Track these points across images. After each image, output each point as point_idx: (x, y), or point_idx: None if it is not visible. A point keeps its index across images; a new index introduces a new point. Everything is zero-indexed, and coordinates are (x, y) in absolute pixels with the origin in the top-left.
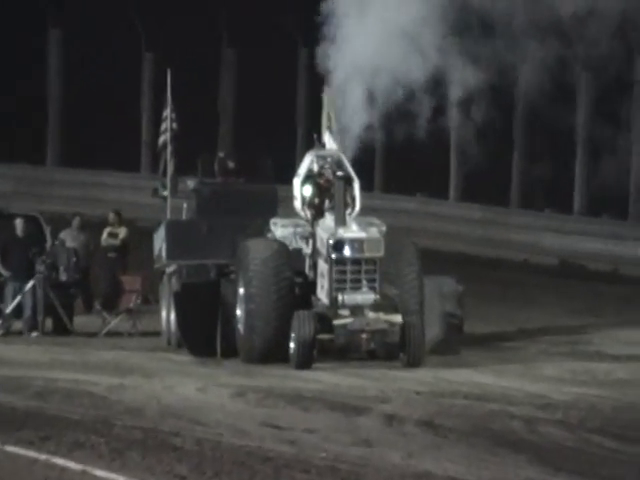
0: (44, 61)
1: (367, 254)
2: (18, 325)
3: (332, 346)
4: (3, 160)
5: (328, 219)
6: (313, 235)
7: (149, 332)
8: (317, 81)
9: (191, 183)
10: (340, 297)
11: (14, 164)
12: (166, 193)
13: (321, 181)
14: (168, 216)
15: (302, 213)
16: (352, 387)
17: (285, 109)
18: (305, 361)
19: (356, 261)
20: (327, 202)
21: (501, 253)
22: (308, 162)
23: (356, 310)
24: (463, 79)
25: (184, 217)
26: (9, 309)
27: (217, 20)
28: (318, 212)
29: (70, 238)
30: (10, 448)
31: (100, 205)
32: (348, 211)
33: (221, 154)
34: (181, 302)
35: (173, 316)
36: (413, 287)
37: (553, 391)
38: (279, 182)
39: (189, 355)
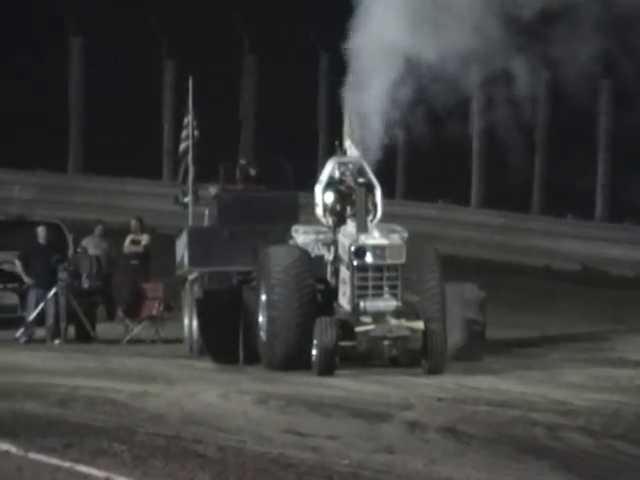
0: (66, 68)
1: (389, 261)
2: (41, 333)
3: (354, 353)
4: (25, 167)
5: (350, 226)
6: (335, 242)
7: (171, 339)
8: (338, 87)
9: (212, 190)
10: (362, 304)
11: (36, 171)
12: (187, 200)
13: (342, 188)
14: (190, 223)
15: (324, 220)
16: (374, 394)
17: (306, 116)
18: (327, 368)
19: (378, 268)
20: (349, 209)
21: (522, 259)
22: (330, 169)
23: (378, 317)
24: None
25: (206, 224)
26: (32, 317)
27: (238, 27)
28: (340, 219)
29: (92, 245)
30: (33, 455)
31: (122, 212)
32: (370, 218)
33: (242, 161)
34: (203, 309)
35: (195, 323)
36: (435, 294)
37: (575, 397)
38: (300, 189)
39: (211, 362)
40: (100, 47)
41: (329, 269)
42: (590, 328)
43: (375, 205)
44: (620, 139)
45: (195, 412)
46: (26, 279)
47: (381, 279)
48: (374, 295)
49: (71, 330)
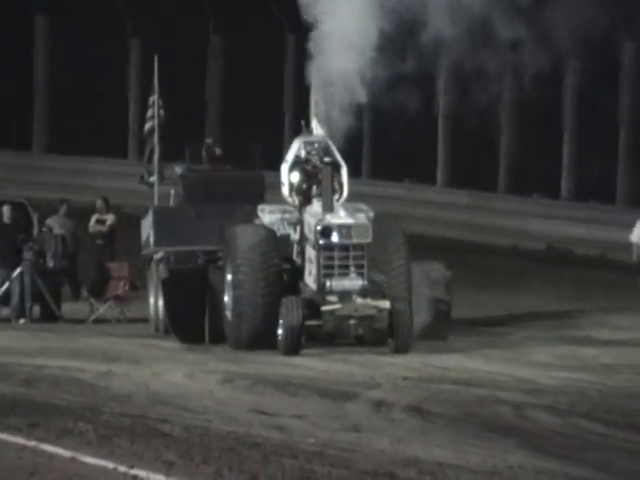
0: (30, 48)
1: (355, 240)
2: (5, 312)
3: (320, 332)
4: None
5: (316, 205)
6: (301, 221)
7: (137, 319)
8: (305, 67)
9: (178, 170)
10: (328, 283)
11: (1, 151)
12: (153, 180)
13: (309, 167)
14: (155, 203)
15: (290, 199)
16: (340, 373)
17: (273, 95)
18: (293, 347)
19: (344, 247)
20: (315, 188)
21: (488, 239)
22: (295, 148)
23: (344, 296)
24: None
25: (171, 204)
26: None
27: (204, 6)
28: (306, 198)
29: (57, 225)
30: None
31: (87, 192)
32: (336, 197)
33: (208, 140)
34: (169, 289)
35: (161, 303)
36: (401, 273)
37: (541, 376)
38: (267, 168)
39: (177, 342)
40: (65, 26)
41: (295, 248)
42: (556, 307)
43: (341, 185)
44: (585, 118)
45: (161, 392)
46: None
47: (347, 258)
48: (340, 274)
49: (36, 310)
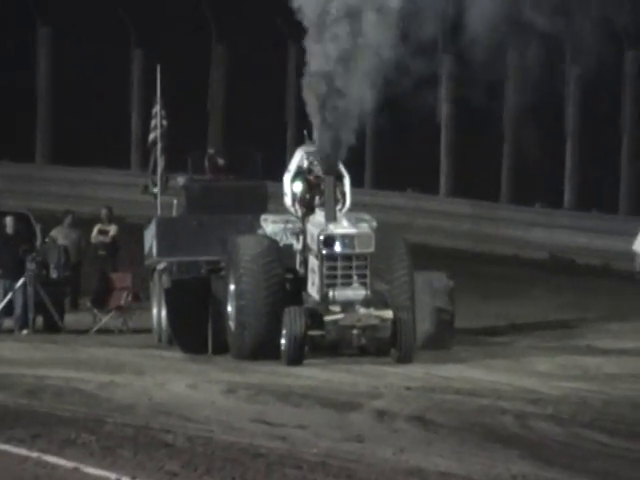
0: (33, 58)
1: (358, 250)
2: (8, 323)
3: (323, 342)
4: None
5: (318, 215)
6: (303, 231)
7: (140, 329)
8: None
9: (181, 180)
10: (331, 293)
11: (2, 161)
12: (156, 190)
13: (311, 178)
14: (158, 213)
15: (292, 209)
16: (343, 383)
17: (275, 105)
18: (296, 357)
19: (347, 257)
20: (317, 199)
21: (491, 248)
22: (298, 159)
23: (347, 306)
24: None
25: (174, 214)
26: None
27: (207, 16)
28: (308, 208)
29: (61, 236)
30: (1, 446)
31: (90, 202)
32: (338, 207)
33: (211, 151)
34: (171, 299)
35: (164, 313)
36: (404, 283)
37: (544, 386)
38: (269, 178)
39: (180, 352)
40: (68, 37)
41: (298, 258)
42: (558, 316)
43: (344, 194)
44: (589, 127)
45: (164, 402)
46: None
47: (350, 268)
48: (343, 284)
49: (39, 320)
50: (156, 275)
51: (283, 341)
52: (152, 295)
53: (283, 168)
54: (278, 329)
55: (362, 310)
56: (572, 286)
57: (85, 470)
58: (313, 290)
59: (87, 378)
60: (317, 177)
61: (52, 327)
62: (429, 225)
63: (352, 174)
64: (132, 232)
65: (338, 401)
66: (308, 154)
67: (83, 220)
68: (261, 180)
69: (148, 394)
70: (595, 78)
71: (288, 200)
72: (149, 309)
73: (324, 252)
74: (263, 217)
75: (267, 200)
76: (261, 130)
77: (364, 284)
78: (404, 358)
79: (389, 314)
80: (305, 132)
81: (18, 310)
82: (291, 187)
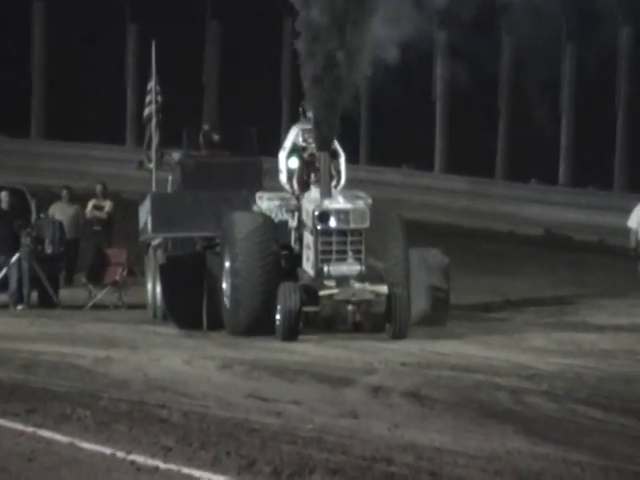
0: (28, 33)
1: (353, 225)
2: (3, 298)
3: (318, 319)
4: None
5: (313, 191)
6: (299, 208)
7: (135, 305)
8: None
9: (176, 156)
10: (326, 268)
11: None
12: (151, 166)
13: (306, 156)
14: (153, 189)
15: (287, 187)
16: (338, 359)
17: (270, 81)
18: (291, 332)
19: (342, 232)
20: (313, 176)
21: (486, 224)
22: (293, 135)
23: (342, 281)
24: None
25: (169, 190)
26: None
27: None
28: (304, 185)
29: (58, 211)
30: None
31: (85, 178)
32: (333, 184)
33: (206, 126)
34: (166, 275)
35: (159, 289)
36: (399, 259)
37: (539, 362)
38: (264, 154)
39: (175, 328)
40: (62, 12)
41: (293, 235)
42: (554, 293)
43: (339, 172)
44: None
45: (159, 377)
46: None
47: (345, 243)
48: (338, 260)
49: (34, 295)
50: (151, 251)
51: (278, 316)
52: (147, 271)
53: (278, 144)
54: (273, 306)
55: (357, 285)
56: (567, 262)
57: (80, 445)
58: (308, 266)
59: (82, 353)
60: (312, 155)
61: (47, 302)
62: (424, 201)
63: (347, 150)
64: (127, 208)
65: (333, 377)
66: (303, 131)
67: (78, 196)
68: (256, 156)
69: (143, 369)
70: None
71: (283, 177)
72: (144, 285)
73: (319, 227)
74: (258, 195)
75: (262, 176)
76: (256, 106)
77: (359, 259)
78: (399, 333)
79: (384, 289)
80: (300, 109)
81: (13, 285)
82: (286, 164)
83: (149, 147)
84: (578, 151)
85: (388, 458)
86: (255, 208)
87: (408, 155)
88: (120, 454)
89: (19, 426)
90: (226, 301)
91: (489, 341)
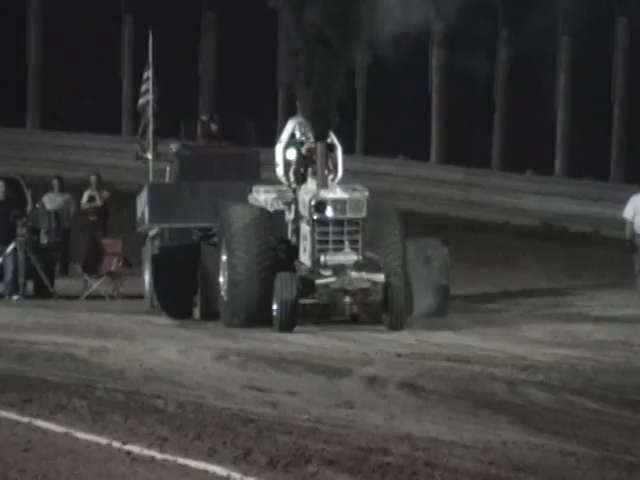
0: (23, 24)
1: (349, 215)
2: None
3: (315, 310)
4: None
5: (310, 183)
6: (295, 200)
7: (131, 295)
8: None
9: (173, 146)
10: (322, 258)
11: None
12: (147, 155)
13: (303, 150)
14: (150, 179)
15: (284, 179)
16: (334, 349)
17: (266, 72)
18: (288, 323)
19: (338, 222)
20: (310, 170)
21: (482, 215)
22: (290, 129)
23: (338, 270)
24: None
25: (167, 180)
26: None
27: None
28: (300, 178)
29: (48, 201)
30: None
31: (80, 168)
32: (330, 177)
33: (204, 117)
34: (158, 265)
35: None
36: (396, 250)
37: (534, 353)
38: (261, 145)
39: (171, 318)
40: (58, 1)
41: (290, 228)
42: (549, 284)
43: (336, 165)
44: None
45: (155, 368)
46: None
47: (342, 233)
48: (334, 249)
49: (30, 286)
50: (148, 241)
51: (275, 307)
52: (144, 261)
53: (273, 134)
54: (270, 298)
55: (354, 273)
56: (563, 254)
57: (76, 435)
58: (305, 257)
59: (78, 343)
60: (309, 150)
61: (43, 293)
62: (420, 192)
63: (342, 140)
64: (122, 198)
65: (329, 367)
66: (300, 124)
67: (73, 186)
68: (254, 147)
69: (139, 360)
70: (586, 45)
71: (280, 170)
72: (140, 275)
73: (315, 217)
74: (255, 188)
75: (260, 167)
76: (252, 96)
77: (356, 249)
78: (396, 323)
79: (380, 277)
80: (297, 103)
81: (9, 275)
82: (284, 155)
83: (143, 136)
84: (574, 142)
85: (384, 448)
86: (251, 200)
87: (404, 145)
88: (116, 444)
89: (15, 416)
90: (223, 294)
91: (485, 332)
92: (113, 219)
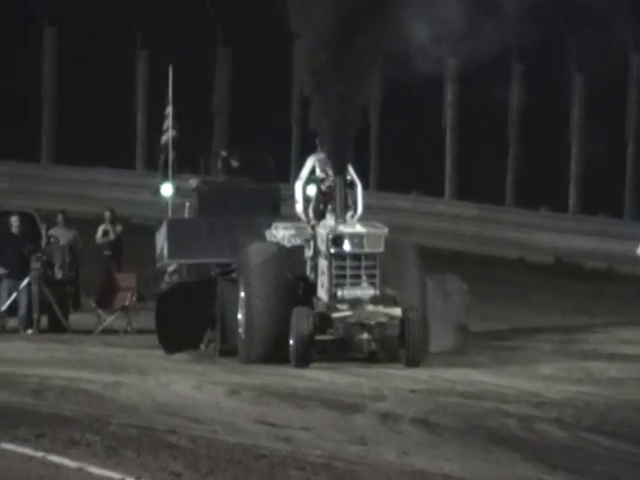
0: (39, 58)
1: (367, 249)
2: (13, 323)
3: (333, 347)
4: None
5: (329, 219)
6: (314, 237)
7: (144, 330)
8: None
9: (193, 182)
10: (339, 292)
11: (8, 161)
12: (165, 194)
13: (323, 187)
14: (169, 215)
15: (303, 216)
16: (347, 385)
17: (280, 107)
18: (303, 358)
19: (356, 256)
20: (329, 207)
21: (496, 251)
22: (310, 165)
23: (355, 304)
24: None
25: (186, 216)
26: (4, 307)
27: (212, 18)
28: (319, 214)
29: (59, 235)
30: (6, 445)
31: (94, 203)
32: (350, 214)
33: (224, 152)
34: (161, 301)
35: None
36: (414, 286)
37: (548, 389)
38: (278, 181)
39: (185, 353)
40: (74, 37)
41: (308, 264)
42: (563, 320)
43: (355, 202)
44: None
45: (168, 403)
46: None
47: (359, 268)
48: (352, 284)
49: (44, 320)
50: (167, 277)
51: (291, 342)
52: None
53: (289, 171)
54: (287, 339)
55: (370, 307)
56: (577, 290)
57: (89, 470)
58: (322, 292)
59: (91, 378)
60: (330, 187)
61: (57, 327)
62: (434, 228)
63: (357, 176)
64: (136, 232)
65: (342, 403)
66: (320, 162)
67: (88, 221)
68: (274, 182)
69: (152, 395)
70: (600, 81)
71: (299, 207)
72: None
73: (332, 251)
74: (274, 225)
75: (280, 203)
76: (266, 132)
77: (373, 284)
78: (413, 358)
79: (398, 312)
80: (317, 140)
81: (23, 310)
82: (304, 192)
83: (165, 173)
84: (588, 178)
85: None
86: (269, 236)
87: (418, 181)
88: (129, 479)
89: (29, 451)
90: (241, 331)
91: (498, 368)
92: (126, 253)
